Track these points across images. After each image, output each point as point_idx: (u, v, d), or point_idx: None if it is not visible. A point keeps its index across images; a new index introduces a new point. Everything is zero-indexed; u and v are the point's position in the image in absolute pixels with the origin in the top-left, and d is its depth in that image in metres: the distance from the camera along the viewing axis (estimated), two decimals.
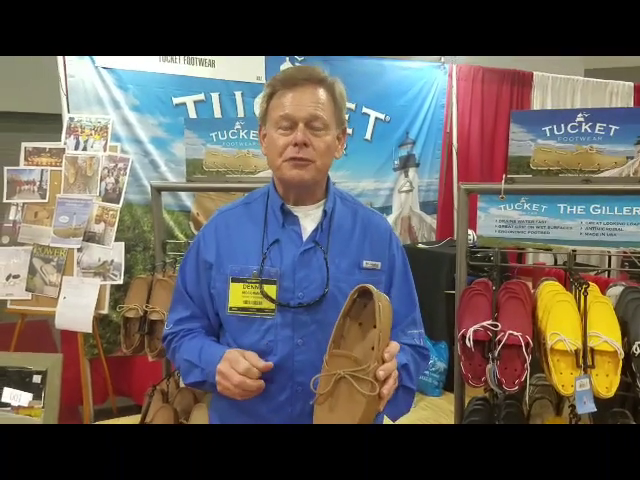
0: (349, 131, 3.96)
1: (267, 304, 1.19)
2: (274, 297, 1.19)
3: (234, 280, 1.22)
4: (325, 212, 1.25)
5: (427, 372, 3.75)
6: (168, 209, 3.51)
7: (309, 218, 1.25)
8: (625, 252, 2.73)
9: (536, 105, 4.73)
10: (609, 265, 3.70)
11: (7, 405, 2.47)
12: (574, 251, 2.27)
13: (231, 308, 1.22)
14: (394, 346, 1.05)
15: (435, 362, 3.73)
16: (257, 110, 1.28)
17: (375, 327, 1.03)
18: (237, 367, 1.12)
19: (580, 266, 2.66)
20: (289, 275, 1.20)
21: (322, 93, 1.20)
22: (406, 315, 1.27)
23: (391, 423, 1.15)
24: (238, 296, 1.21)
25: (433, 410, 3.49)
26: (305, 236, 1.23)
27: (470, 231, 2.48)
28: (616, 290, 2.27)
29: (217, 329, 1.32)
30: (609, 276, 3.75)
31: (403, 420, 1.17)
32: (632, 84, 5.01)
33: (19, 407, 2.46)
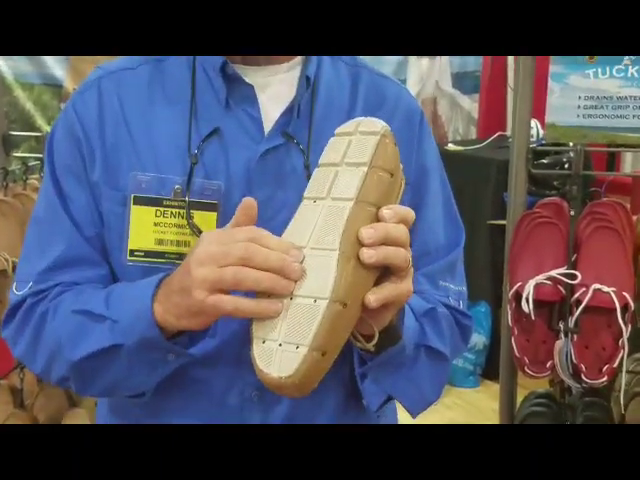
0: None
1: None
2: None
3: (139, 201, 0.91)
4: (308, 79, 0.93)
5: None
6: (22, 81, 2.82)
7: (274, 90, 0.93)
8: None
9: None
10: None
11: None
12: None
13: (134, 252, 0.92)
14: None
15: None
16: None
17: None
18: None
19: None
20: (241, 195, 0.89)
21: None
22: (441, 253, 1.00)
23: (405, 423, 0.97)
24: (147, 231, 0.91)
25: (465, 409, 2.70)
26: (268, 125, 0.92)
27: (534, 121, 2.00)
28: None
29: None
30: None
31: (419, 419, 0.92)
32: None
33: None
